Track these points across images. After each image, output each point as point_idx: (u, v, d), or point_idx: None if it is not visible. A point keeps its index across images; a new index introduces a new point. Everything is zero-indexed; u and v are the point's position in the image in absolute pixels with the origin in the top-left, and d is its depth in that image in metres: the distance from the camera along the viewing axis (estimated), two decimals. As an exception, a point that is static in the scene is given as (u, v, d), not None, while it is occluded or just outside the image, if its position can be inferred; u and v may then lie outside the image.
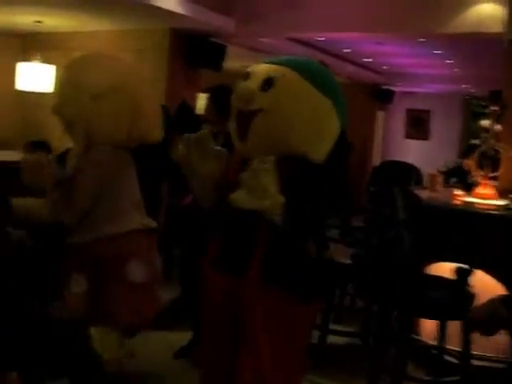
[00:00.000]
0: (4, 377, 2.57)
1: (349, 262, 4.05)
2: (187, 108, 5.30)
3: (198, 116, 5.05)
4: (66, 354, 2.79)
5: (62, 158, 2.97)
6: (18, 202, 3.13)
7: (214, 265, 2.19)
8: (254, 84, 2.07)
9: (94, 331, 2.94)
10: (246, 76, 2.13)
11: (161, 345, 3.96)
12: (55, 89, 2.90)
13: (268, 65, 2.15)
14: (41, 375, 2.77)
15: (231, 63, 7.68)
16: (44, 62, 7.27)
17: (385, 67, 10.72)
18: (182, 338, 3.87)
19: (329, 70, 2.25)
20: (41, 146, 4.52)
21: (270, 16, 6.53)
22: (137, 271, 2.78)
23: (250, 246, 2.07)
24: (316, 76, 2.12)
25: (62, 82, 2.89)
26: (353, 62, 9.83)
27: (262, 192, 1.89)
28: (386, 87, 12.39)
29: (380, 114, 13.09)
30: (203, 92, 6.56)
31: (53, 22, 7.11)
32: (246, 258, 2.07)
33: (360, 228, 5.14)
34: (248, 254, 2.07)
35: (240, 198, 1.94)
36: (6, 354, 2.62)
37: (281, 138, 2.07)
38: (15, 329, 2.66)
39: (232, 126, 2.18)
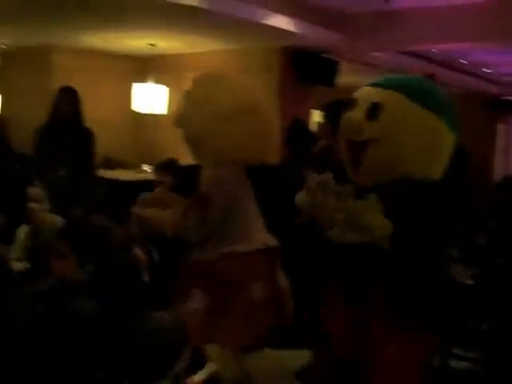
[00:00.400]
0: None
1: (470, 282, 3.86)
2: (301, 125, 5.27)
3: (312, 133, 5.02)
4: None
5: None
6: (144, 212, 3.20)
7: (334, 295, 2.16)
8: (360, 113, 2.03)
9: (210, 350, 2.94)
10: (352, 103, 2.08)
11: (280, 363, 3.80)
12: (180, 105, 2.88)
13: (372, 88, 2.09)
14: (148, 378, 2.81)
15: (344, 78, 7.62)
16: (157, 83, 7.54)
17: (506, 77, 10.26)
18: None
19: (434, 85, 2.15)
20: (170, 166, 4.65)
21: (382, 30, 6.40)
22: (258, 291, 2.75)
23: (367, 276, 2.03)
24: (422, 95, 2.05)
25: (188, 100, 2.82)
26: (471, 73, 9.48)
27: (361, 228, 1.87)
28: (507, 98, 11.82)
29: (501, 127, 12.51)
30: (318, 109, 6.53)
31: (165, 44, 7.37)
32: (365, 288, 2.02)
33: (482, 246, 4.90)
34: (367, 284, 2.03)
35: (338, 234, 1.94)
36: (121, 365, 2.69)
37: (395, 165, 2.02)
38: (135, 336, 2.73)
39: (343, 154, 2.15)
